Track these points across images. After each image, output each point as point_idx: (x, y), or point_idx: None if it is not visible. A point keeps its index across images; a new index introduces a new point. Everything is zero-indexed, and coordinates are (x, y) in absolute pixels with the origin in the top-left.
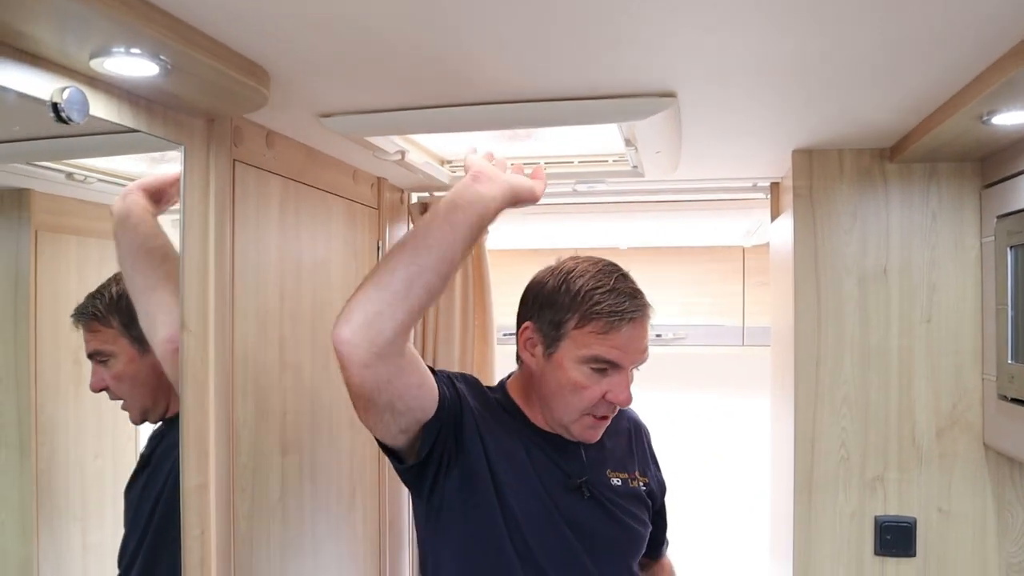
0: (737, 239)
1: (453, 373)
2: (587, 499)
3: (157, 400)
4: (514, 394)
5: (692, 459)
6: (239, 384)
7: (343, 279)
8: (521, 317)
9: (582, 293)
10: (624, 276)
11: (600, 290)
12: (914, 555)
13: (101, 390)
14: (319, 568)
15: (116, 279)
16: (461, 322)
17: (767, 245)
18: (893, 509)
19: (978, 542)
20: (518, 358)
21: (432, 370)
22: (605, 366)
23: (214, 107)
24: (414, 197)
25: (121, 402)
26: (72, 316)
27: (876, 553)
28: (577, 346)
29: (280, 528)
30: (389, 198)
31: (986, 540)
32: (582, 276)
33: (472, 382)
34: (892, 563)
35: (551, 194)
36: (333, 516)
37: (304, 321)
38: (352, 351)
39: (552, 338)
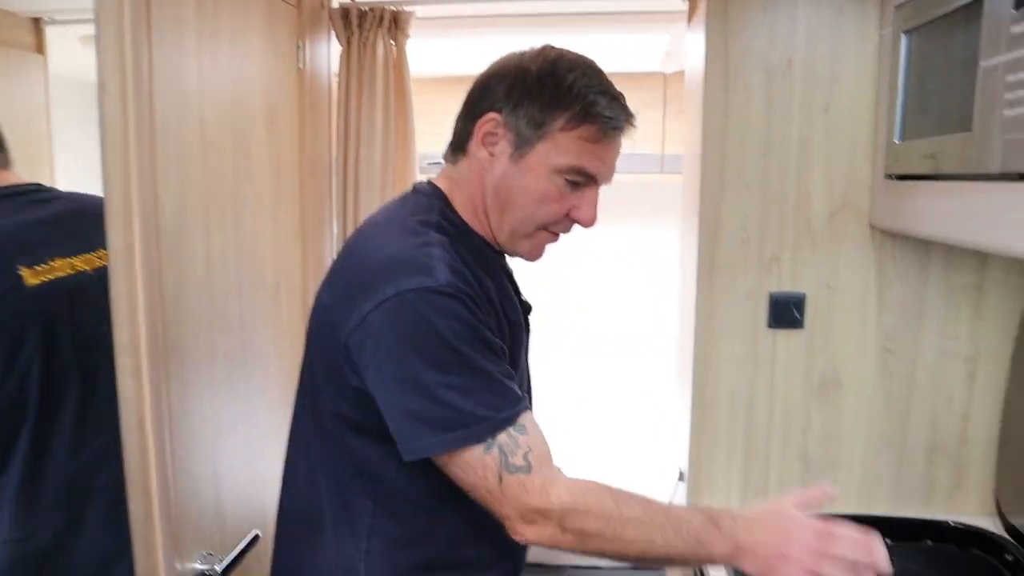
0: (656, 64)
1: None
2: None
3: None
4: (462, 210)
5: (603, 290)
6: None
7: (264, 98)
8: (482, 105)
9: (577, 89)
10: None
11: (596, 89)
12: (803, 327)
13: None
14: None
15: None
16: (382, 151)
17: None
18: (786, 286)
19: (860, 315)
20: (455, 151)
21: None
22: (582, 179)
23: None
24: (335, 1)
25: None
26: None
27: (769, 326)
28: (559, 152)
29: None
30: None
31: (867, 313)
32: (574, 70)
33: (456, 292)
34: (783, 334)
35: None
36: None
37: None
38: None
39: (527, 138)
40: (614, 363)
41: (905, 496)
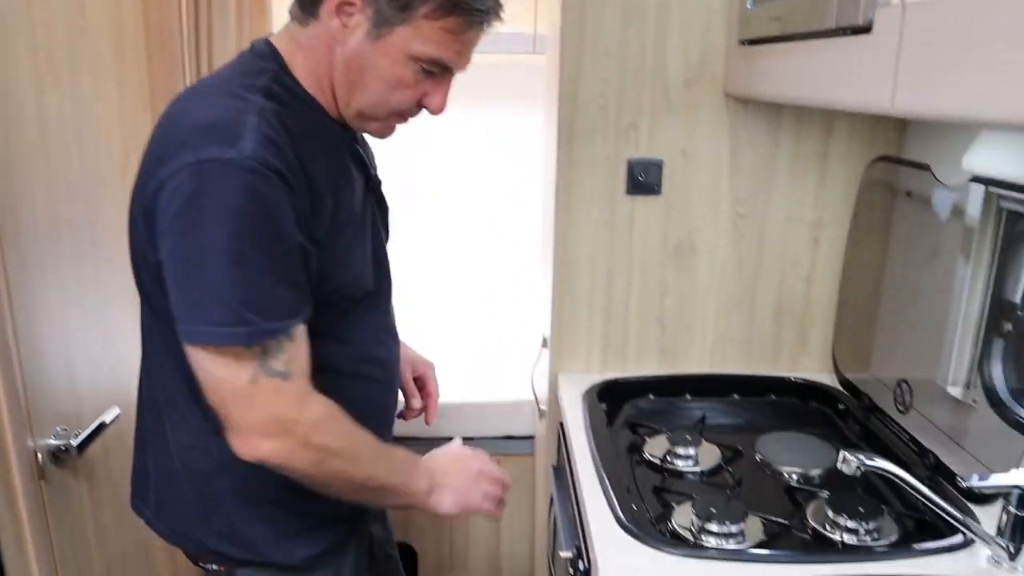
0: None
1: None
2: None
3: None
4: (303, 77)
5: (467, 175)
6: None
7: None
8: None
9: None
10: None
11: None
12: (659, 193)
13: None
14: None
15: None
16: (236, 19)
17: None
18: (644, 152)
19: (713, 180)
20: (305, 11)
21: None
22: (438, 70)
23: None
24: None
25: None
26: None
27: (628, 192)
28: (420, 39)
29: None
30: None
31: (720, 178)
32: None
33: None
34: (640, 200)
35: None
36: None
37: None
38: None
39: (388, 18)
40: (478, 245)
41: (754, 355)
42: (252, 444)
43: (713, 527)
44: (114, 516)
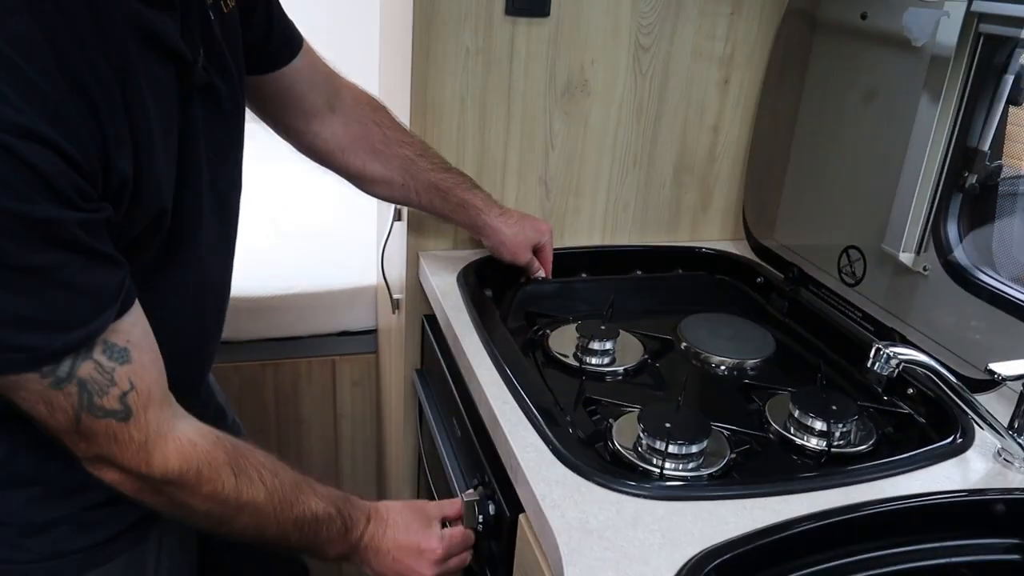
0: None
1: None
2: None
3: None
4: None
5: None
6: None
7: None
8: None
9: None
10: None
11: None
12: (547, 15)
13: None
14: None
15: None
16: None
17: None
18: None
19: (613, 2)
20: None
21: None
22: None
23: None
24: None
25: None
26: None
27: (507, 13)
28: None
29: None
30: None
31: (621, 1)
32: None
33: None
34: (524, 24)
35: None
36: None
37: None
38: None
39: None
40: None
41: (652, 222)
42: (95, 469)
43: (673, 448)
44: None
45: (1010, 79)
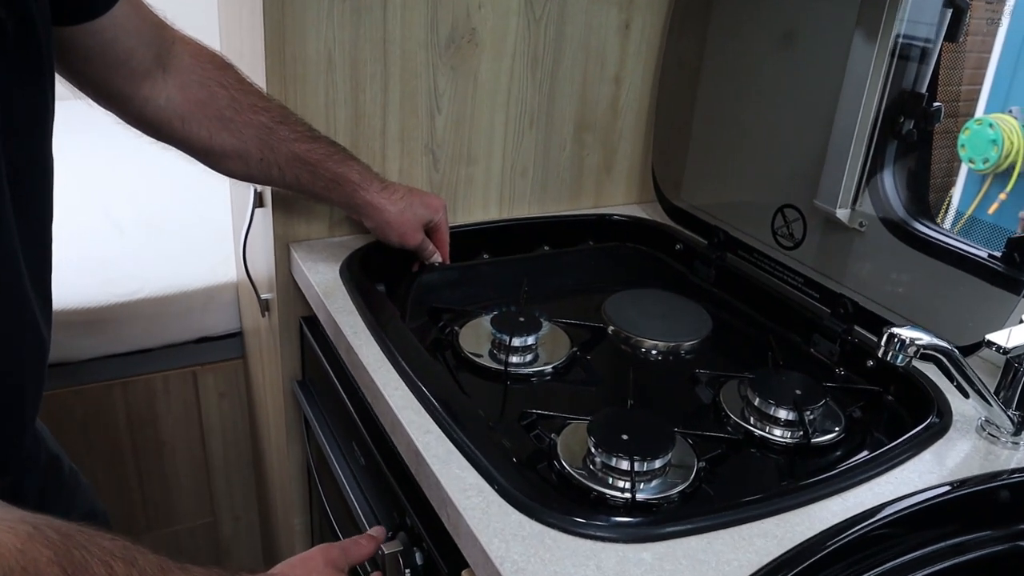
0: None
1: None
2: None
3: None
4: None
5: None
6: None
7: None
8: None
9: None
10: None
11: None
12: None
13: None
14: None
15: None
16: None
17: None
18: None
19: None
20: None
21: None
22: None
23: None
24: None
25: None
26: None
27: None
28: None
29: None
30: None
31: None
32: None
33: None
34: None
35: None
36: None
37: None
38: None
39: None
40: None
41: (552, 188)
42: None
43: (637, 466)
44: None
45: (948, 12)
